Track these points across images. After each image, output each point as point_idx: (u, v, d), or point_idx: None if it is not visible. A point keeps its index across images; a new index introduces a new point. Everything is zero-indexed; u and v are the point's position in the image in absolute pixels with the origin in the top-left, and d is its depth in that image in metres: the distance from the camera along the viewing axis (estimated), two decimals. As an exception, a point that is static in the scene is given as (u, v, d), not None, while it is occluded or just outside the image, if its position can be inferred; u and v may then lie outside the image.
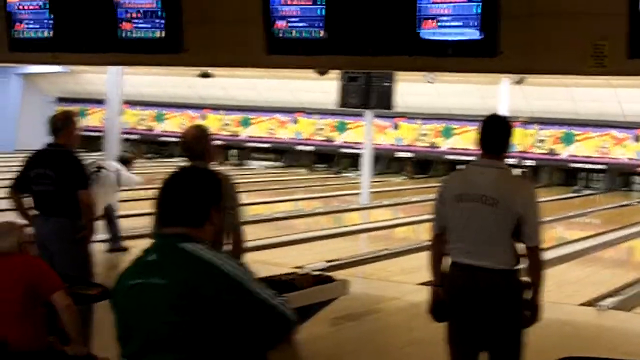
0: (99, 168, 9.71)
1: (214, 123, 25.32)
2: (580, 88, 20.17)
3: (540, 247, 4.37)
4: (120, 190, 10.50)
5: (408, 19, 5.83)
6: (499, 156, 4.44)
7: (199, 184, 2.73)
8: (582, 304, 8.63)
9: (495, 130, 4.48)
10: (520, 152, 21.64)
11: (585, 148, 22.18)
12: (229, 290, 2.55)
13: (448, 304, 4.43)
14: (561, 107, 21.77)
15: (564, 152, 22.49)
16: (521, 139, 21.65)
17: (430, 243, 4.58)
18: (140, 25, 6.87)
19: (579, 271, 10.96)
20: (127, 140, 21.90)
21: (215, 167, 4.88)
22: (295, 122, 26.04)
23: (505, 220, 4.31)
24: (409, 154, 24.42)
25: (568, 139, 22.41)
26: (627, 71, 5.66)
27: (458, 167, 22.29)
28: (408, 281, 9.08)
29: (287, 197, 17.94)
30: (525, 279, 4.37)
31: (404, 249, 11.34)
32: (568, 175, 22.88)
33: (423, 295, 4.65)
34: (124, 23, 6.91)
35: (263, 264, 8.23)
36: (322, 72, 11.72)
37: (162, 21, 6.77)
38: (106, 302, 3.10)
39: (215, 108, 26.74)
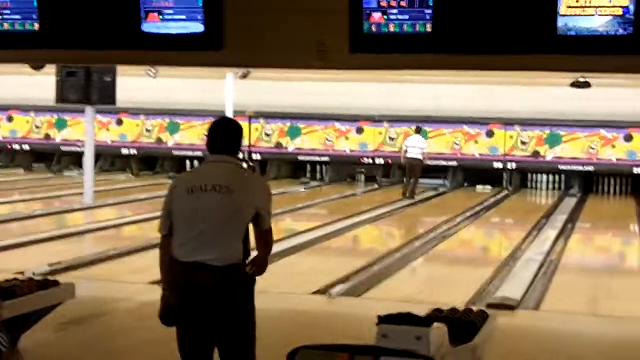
0: None
1: None
2: (305, 82, 20.66)
3: (271, 231, 4.42)
4: None
5: (130, 12, 5.70)
6: (230, 155, 4.42)
7: None
8: (314, 293, 8.80)
9: (225, 134, 4.45)
10: (248, 146, 21.86)
11: (311, 141, 22.75)
12: None
13: (175, 305, 4.32)
14: (286, 101, 22.19)
15: (291, 145, 22.95)
16: (248, 133, 21.87)
17: (159, 243, 4.45)
18: None
19: (309, 261, 11.20)
20: None
21: None
22: (10, 119, 24.76)
23: (240, 211, 4.27)
24: (133, 151, 23.93)
25: (294, 132, 22.89)
26: (350, 65, 5.85)
27: (187, 162, 22.33)
28: (137, 281, 8.88)
29: (2, 199, 17.00)
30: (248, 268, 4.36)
31: (132, 248, 11.06)
32: (295, 168, 23.38)
33: (153, 294, 4.51)
34: None
35: (-21, 272, 7.76)
36: (37, 67, 11.20)
37: None
38: None
39: None
